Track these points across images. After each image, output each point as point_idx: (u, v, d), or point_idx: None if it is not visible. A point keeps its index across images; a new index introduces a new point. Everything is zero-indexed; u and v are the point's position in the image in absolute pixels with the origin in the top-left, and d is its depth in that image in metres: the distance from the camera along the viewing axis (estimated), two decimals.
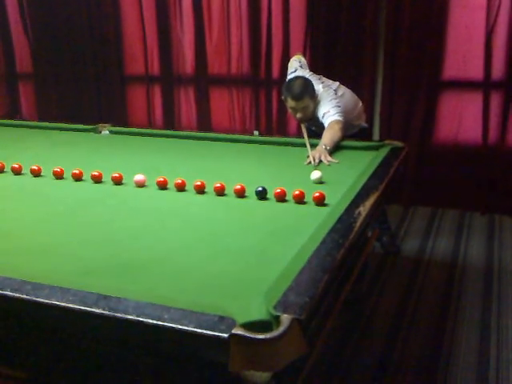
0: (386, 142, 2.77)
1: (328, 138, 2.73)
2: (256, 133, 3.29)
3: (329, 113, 2.89)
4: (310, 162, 2.52)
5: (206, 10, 4.49)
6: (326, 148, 2.64)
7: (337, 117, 2.86)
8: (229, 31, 4.48)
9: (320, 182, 2.19)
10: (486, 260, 3.33)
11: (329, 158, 2.56)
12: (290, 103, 2.96)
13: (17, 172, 2.36)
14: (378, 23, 4.05)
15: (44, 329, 1.33)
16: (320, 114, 2.94)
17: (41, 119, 5.03)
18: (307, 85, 2.93)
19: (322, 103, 2.96)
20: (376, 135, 4.25)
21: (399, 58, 4.06)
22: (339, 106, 2.93)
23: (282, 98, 3.04)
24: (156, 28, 4.73)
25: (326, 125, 2.85)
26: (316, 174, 2.21)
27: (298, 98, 2.90)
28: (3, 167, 2.39)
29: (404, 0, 3.92)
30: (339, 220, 1.68)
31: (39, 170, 2.33)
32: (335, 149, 2.73)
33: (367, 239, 2.52)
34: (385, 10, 4.01)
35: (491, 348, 2.43)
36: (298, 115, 2.97)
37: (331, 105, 2.92)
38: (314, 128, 3.10)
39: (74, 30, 4.95)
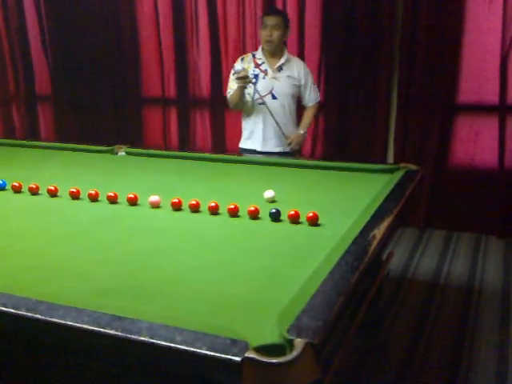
0: (401, 165, 2.76)
1: (307, 123, 3.54)
2: None
3: (315, 89, 3.54)
4: (289, 144, 3.40)
5: (223, 33, 4.56)
6: (304, 134, 3.49)
7: (318, 98, 3.59)
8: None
9: (273, 200, 2.23)
10: (502, 284, 3.27)
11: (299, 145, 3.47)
12: (263, 20, 3.32)
13: (34, 192, 2.39)
14: (393, 46, 4.08)
15: (58, 349, 1.33)
16: (302, 74, 3.44)
17: (59, 140, 5.12)
18: (283, 11, 3.47)
19: (304, 67, 3.48)
20: (391, 158, 4.25)
21: (414, 82, 4.07)
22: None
23: (259, 31, 3.41)
24: (173, 52, 4.81)
25: (310, 102, 3.55)
26: (270, 193, 2.25)
27: (273, 12, 3.33)
28: (21, 187, 2.43)
29: (419, 22, 3.95)
30: (354, 243, 1.67)
31: (56, 190, 2.36)
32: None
33: (382, 262, 2.50)
34: (399, 33, 4.05)
35: (509, 372, 2.38)
36: (268, 33, 3.28)
37: (313, 81, 3.52)
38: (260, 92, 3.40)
39: (92, 52, 5.06)
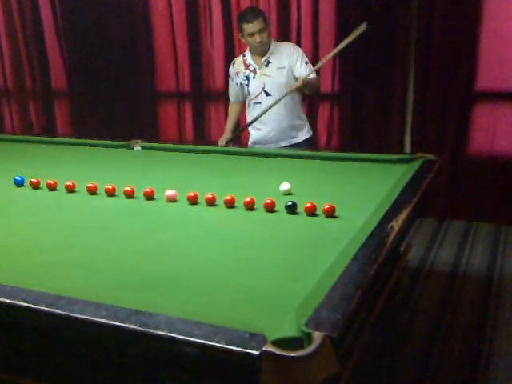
0: (419, 154, 2.73)
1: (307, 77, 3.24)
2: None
3: (306, 66, 3.31)
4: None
5: (236, 25, 4.52)
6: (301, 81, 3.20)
7: (315, 74, 3.34)
8: None
9: (289, 193, 2.22)
10: None
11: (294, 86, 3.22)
12: (247, 29, 3.22)
13: (52, 188, 2.41)
14: (410, 33, 4.02)
15: (76, 343, 1.34)
16: (290, 56, 3.30)
17: (75, 136, 5.16)
18: (258, 8, 3.35)
19: (290, 49, 3.35)
20: (408, 148, 4.20)
21: (431, 69, 4.01)
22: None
23: (239, 35, 3.34)
24: (187, 45, 4.81)
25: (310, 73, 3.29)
26: (286, 186, 2.24)
27: (252, 18, 3.18)
28: (39, 183, 2.45)
29: (436, 10, 3.88)
30: (371, 235, 1.66)
31: (73, 185, 2.38)
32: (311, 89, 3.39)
33: (400, 254, 2.49)
34: (416, 19, 3.98)
35: None
36: (258, 39, 3.21)
37: (303, 60, 3.33)
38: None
39: (106, 48, 5.08)
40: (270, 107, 3.31)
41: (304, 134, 3.53)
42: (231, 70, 3.51)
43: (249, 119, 3.53)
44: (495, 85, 3.94)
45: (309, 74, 3.23)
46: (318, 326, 1.13)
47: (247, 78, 3.40)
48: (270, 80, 3.34)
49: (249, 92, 3.43)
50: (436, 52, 3.96)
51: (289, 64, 3.33)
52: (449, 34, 3.89)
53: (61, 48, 5.34)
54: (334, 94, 4.33)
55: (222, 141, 3.56)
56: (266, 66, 3.34)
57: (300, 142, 3.49)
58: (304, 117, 3.57)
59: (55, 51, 5.37)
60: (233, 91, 3.57)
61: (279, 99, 3.28)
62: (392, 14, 3.99)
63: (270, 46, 3.33)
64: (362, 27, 3.20)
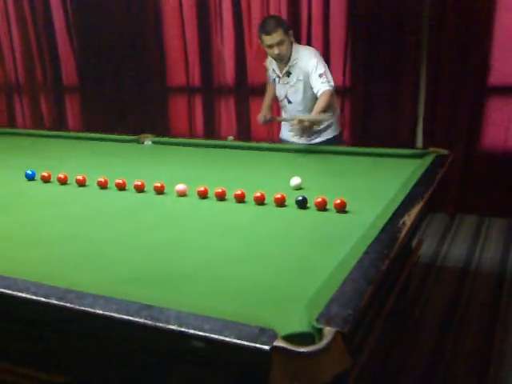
0: (431, 149, 2.70)
1: (315, 110, 3.06)
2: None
3: (320, 79, 3.10)
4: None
5: (246, 21, 4.51)
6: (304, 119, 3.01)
7: (325, 88, 3.09)
8: None
9: (299, 187, 2.21)
10: None
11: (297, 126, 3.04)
12: (266, 40, 3.12)
13: (63, 182, 2.42)
14: (422, 26, 3.97)
15: (86, 336, 1.35)
16: (307, 67, 3.13)
17: (86, 130, 5.17)
18: (279, 19, 3.24)
19: (308, 58, 3.15)
20: (419, 143, 4.17)
21: (443, 64, 3.97)
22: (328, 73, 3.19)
23: (261, 45, 3.23)
24: (197, 40, 4.79)
25: (318, 93, 3.10)
26: (296, 181, 2.22)
27: (271, 30, 3.06)
28: (50, 177, 2.46)
29: (448, 4, 3.83)
30: (383, 230, 1.64)
31: (84, 179, 2.39)
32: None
33: (411, 249, 2.47)
34: (428, 13, 3.93)
35: None
36: (276, 51, 3.11)
37: (317, 71, 3.12)
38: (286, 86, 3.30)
39: (117, 43, 5.08)
40: (285, 120, 3.40)
41: (327, 134, 3.42)
42: (266, 61, 3.49)
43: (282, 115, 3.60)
44: (508, 79, 3.88)
45: (309, 119, 3.06)
46: (329, 322, 1.12)
47: (274, 80, 3.41)
48: (291, 89, 3.29)
49: (276, 93, 3.44)
50: (448, 45, 3.91)
51: (304, 76, 3.20)
52: (461, 27, 3.84)
53: (71, 43, 5.35)
54: (345, 88, 4.30)
55: (260, 117, 3.44)
56: (288, 76, 3.27)
57: (322, 142, 3.38)
58: (330, 118, 3.39)
59: (66, 46, 5.39)
60: (268, 77, 3.53)
61: (283, 120, 3.40)
62: (404, 8, 3.94)
63: (290, 57, 3.20)
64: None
